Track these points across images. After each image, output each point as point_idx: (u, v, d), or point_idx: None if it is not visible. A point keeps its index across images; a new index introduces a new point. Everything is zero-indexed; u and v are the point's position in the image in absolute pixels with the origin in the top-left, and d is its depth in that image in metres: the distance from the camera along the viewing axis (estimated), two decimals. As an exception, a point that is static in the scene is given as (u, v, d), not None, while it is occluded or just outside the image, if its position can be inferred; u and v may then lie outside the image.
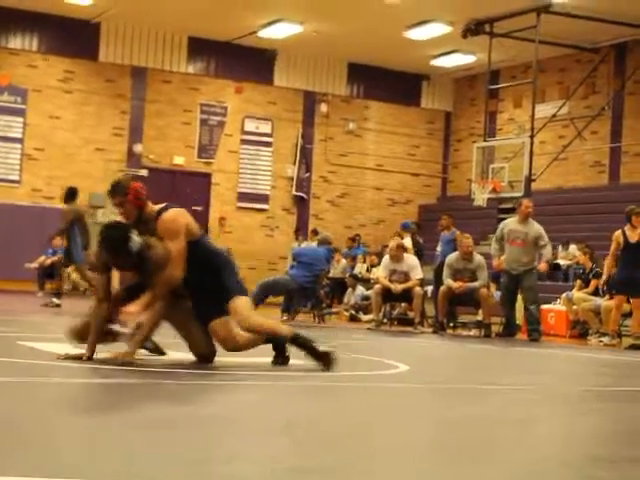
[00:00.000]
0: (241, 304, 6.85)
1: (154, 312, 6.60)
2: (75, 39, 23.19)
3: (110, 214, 23.09)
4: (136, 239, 6.58)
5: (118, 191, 6.78)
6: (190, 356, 7.09)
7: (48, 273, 20.23)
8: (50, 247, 20.83)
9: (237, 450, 3.79)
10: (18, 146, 22.75)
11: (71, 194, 15.95)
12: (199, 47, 24.33)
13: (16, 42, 22.94)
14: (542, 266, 14.47)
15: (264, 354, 7.21)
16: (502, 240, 14.52)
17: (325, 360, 6.94)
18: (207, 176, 24.54)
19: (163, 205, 6.84)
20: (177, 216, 6.73)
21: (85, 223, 15.96)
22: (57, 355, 6.66)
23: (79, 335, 6.93)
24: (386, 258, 15.76)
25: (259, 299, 15.20)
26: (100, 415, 4.54)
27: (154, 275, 6.59)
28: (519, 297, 14.92)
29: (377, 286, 15.44)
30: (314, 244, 18.20)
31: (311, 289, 15.83)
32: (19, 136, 22.76)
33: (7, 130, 22.64)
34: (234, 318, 6.81)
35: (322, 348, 7.01)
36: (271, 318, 7.52)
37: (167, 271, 6.59)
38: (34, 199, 22.66)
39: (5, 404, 4.73)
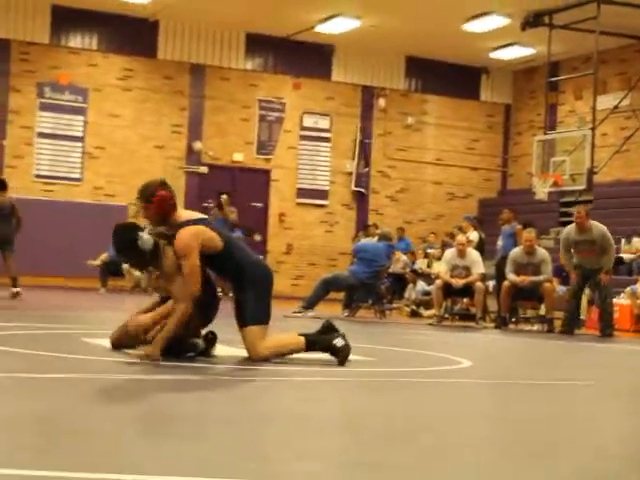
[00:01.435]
0: (251, 336, 6.89)
1: (179, 311, 6.62)
2: (134, 37, 23.34)
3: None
4: (146, 237, 6.63)
5: (143, 195, 6.78)
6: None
7: (111, 270, 20.42)
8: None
9: (305, 447, 3.76)
10: (79, 145, 22.95)
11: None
12: (257, 43, 24.36)
13: (76, 41, 23.13)
14: (603, 278, 14.00)
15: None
16: (569, 251, 14.21)
17: (341, 355, 6.98)
18: (266, 172, 24.58)
19: (186, 220, 6.82)
20: (192, 234, 6.70)
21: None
22: (130, 355, 6.70)
23: (119, 342, 7.03)
24: (448, 253, 15.66)
25: (320, 295, 15.19)
26: (165, 412, 4.54)
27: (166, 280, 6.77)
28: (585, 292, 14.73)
29: (438, 281, 15.34)
30: (374, 240, 18.12)
31: (372, 285, 15.78)
32: (80, 135, 22.96)
33: (68, 129, 22.85)
34: (247, 348, 6.93)
35: (339, 343, 7.02)
36: (287, 332, 7.46)
37: (185, 289, 6.64)
38: (95, 197, 22.85)
39: (68, 400, 4.74)
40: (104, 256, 20.31)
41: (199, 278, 6.69)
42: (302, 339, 7.04)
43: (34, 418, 4.10)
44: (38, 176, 22.48)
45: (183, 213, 6.92)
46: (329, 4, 21.64)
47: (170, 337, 6.60)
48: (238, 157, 24.17)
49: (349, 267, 16.11)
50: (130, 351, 6.83)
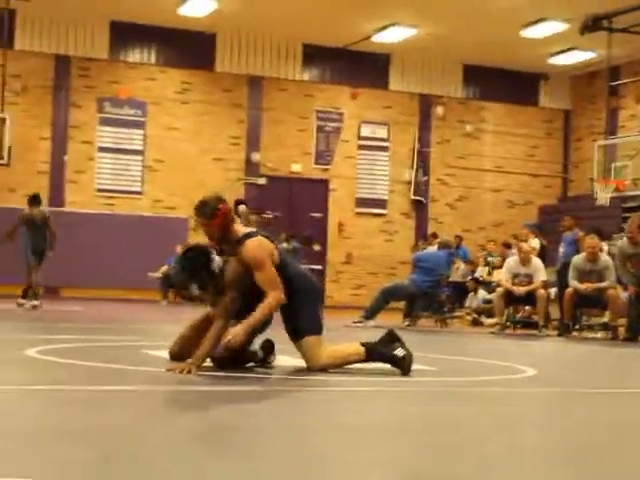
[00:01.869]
0: (308, 346, 6.85)
1: (217, 327, 6.63)
2: (191, 51, 23.53)
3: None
4: (217, 259, 6.63)
5: (204, 212, 6.66)
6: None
7: (171, 282, 20.49)
8: (173, 256, 21.14)
9: (366, 458, 3.73)
10: (139, 158, 23.15)
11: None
12: (313, 54, 24.41)
13: (135, 56, 23.37)
14: None
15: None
16: (625, 264, 14.00)
17: (403, 365, 6.90)
18: (325, 182, 24.59)
19: (247, 231, 6.79)
20: (260, 244, 6.68)
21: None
22: (166, 367, 6.70)
23: (178, 354, 7.04)
24: (510, 260, 15.52)
25: (381, 304, 15.13)
26: (227, 425, 4.53)
27: (221, 293, 6.69)
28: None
29: (499, 289, 15.21)
30: (434, 248, 18.03)
31: (432, 294, 15.70)
32: (140, 148, 23.16)
33: (128, 143, 23.06)
34: (305, 359, 6.89)
35: (400, 352, 6.94)
36: (347, 342, 7.38)
37: (270, 297, 6.58)
38: (156, 210, 23.02)
39: (131, 413, 4.75)
40: (164, 268, 20.45)
41: (280, 285, 6.64)
42: (362, 348, 6.98)
43: (99, 431, 4.11)
44: (99, 190, 22.71)
45: (238, 226, 6.91)
46: (385, 14, 21.62)
47: (208, 354, 6.65)
48: (296, 168, 24.21)
49: (409, 276, 16.04)
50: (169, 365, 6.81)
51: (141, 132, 23.20)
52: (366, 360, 6.97)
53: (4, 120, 20.60)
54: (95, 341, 9.27)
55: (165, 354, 7.36)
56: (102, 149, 22.87)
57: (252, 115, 24.06)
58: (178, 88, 23.57)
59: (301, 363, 6.99)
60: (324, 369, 6.86)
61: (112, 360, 7.26)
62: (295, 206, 23.84)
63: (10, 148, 20.33)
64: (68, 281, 21.64)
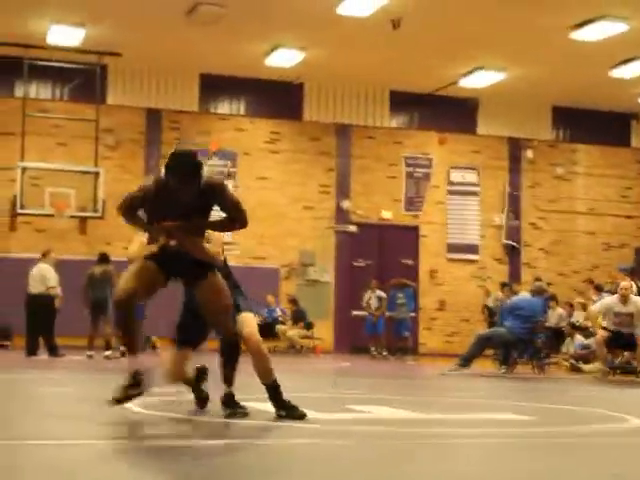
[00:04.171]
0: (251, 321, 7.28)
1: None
2: (279, 100, 23.72)
3: (321, 271, 23.43)
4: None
5: None
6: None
7: (265, 331, 20.59)
8: (266, 306, 21.32)
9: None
10: (231, 209, 23.24)
11: None
12: (401, 100, 24.42)
13: (224, 107, 23.65)
14: None
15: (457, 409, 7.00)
16: None
17: (295, 414, 6.92)
18: (415, 229, 24.47)
19: None
20: None
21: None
22: None
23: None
24: (607, 299, 15.23)
25: (477, 351, 14.94)
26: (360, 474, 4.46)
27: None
28: None
29: (599, 336, 14.91)
30: (526, 294, 17.79)
31: (529, 340, 15.47)
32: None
33: (219, 193, 23.20)
34: (243, 329, 7.16)
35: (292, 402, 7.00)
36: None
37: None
38: (247, 259, 23.10)
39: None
40: (259, 318, 20.52)
41: None
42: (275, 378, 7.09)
43: None
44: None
45: None
46: (472, 58, 21.56)
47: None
48: (387, 214, 24.15)
49: (504, 323, 15.81)
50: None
51: (232, 182, 23.38)
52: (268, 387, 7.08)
53: (98, 174, 20.98)
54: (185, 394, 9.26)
55: (258, 406, 7.29)
56: (192, 202, 23.04)
57: (341, 163, 24.12)
58: (267, 138, 23.75)
59: (404, 414, 6.89)
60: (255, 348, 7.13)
61: (206, 413, 7.24)
62: (386, 253, 23.76)
63: (104, 201, 20.68)
64: (159, 332, 21.73)
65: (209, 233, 7.00)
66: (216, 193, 6.77)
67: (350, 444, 5.86)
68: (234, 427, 6.61)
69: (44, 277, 16.83)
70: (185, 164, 6.59)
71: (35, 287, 16.86)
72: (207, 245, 6.92)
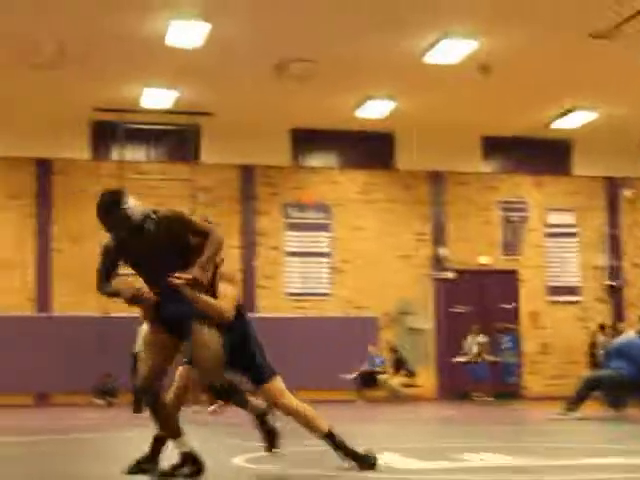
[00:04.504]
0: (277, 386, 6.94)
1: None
2: (371, 151, 23.81)
3: (420, 319, 23.32)
4: (134, 206, 6.29)
5: None
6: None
7: (366, 381, 20.74)
8: (371, 355, 21.39)
9: None
10: (326, 260, 23.38)
11: None
12: (493, 145, 24.34)
13: (316, 161, 23.82)
14: None
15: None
16: None
17: (364, 463, 6.71)
18: (514, 273, 24.22)
19: None
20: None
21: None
22: None
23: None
24: None
25: (585, 395, 14.64)
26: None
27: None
28: None
29: None
30: (632, 333, 17.41)
31: (638, 381, 15.10)
32: (326, 250, 23.41)
33: (315, 246, 23.36)
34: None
35: (360, 450, 6.78)
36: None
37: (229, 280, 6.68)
38: (345, 310, 23.09)
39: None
40: (362, 367, 20.68)
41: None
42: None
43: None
44: (289, 294, 22.99)
45: None
46: (564, 100, 21.39)
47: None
48: (484, 260, 23.95)
49: (610, 364, 15.46)
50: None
51: (327, 234, 23.49)
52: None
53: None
54: (297, 445, 9.23)
55: (384, 457, 7.21)
56: (290, 254, 23.24)
57: (436, 210, 24.04)
58: (360, 188, 23.81)
59: (512, 460, 6.77)
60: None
61: (321, 466, 7.20)
62: (485, 298, 23.55)
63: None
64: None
65: (222, 289, 6.64)
66: (176, 223, 6.31)
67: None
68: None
69: None
70: (99, 212, 6.26)
71: (139, 346, 17.07)
72: (218, 301, 6.54)
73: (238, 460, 7.57)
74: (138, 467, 6.68)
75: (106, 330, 20.78)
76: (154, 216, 6.32)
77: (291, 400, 6.84)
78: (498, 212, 24.36)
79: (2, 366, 20.66)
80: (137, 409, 16.80)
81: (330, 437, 6.78)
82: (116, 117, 21.64)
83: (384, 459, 7.46)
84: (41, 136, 22.01)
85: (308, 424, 6.82)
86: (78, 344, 21.12)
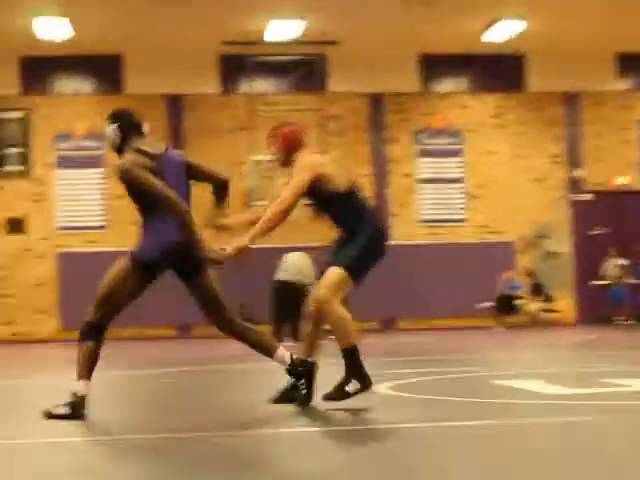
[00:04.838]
0: (332, 276, 6.59)
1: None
2: (501, 74, 23.31)
3: (557, 243, 22.93)
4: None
5: (271, 130, 7.01)
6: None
7: (504, 307, 20.64)
8: (509, 281, 21.22)
9: None
10: (459, 186, 23.13)
11: None
12: (628, 62, 23.55)
13: (446, 86, 23.46)
14: None
15: None
16: None
17: (364, 384, 6.44)
18: (653, 193, 23.54)
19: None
20: (310, 159, 6.79)
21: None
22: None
23: None
24: None
25: None
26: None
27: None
28: None
29: None
30: None
31: None
32: (459, 176, 23.15)
33: (447, 172, 23.11)
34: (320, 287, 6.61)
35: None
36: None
37: (281, 197, 6.68)
38: (479, 236, 22.86)
39: (515, 450, 4.60)
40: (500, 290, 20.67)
41: (296, 197, 6.69)
42: (354, 344, 6.51)
43: (479, 470, 3.99)
44: (422, 221, 22.84)
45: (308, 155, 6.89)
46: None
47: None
48: (622, 180, 23.32)
49: None
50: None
51: (459, 160, 23.20)
52: (346, 355, 6.50)
53: (326, 162, 21.18)
54: (440, 374, 9.21)
55: (517, 384, 7.15)
56: (422, 180, 23.05)
57: (570, 132, 23.46)
58: (492, 112, 23.39)
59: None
60: (318, 312, 6.62)
61: (468, 393, 7.15)
62: (624, 220, 22.95)
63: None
64: (402, 313, 21.91)
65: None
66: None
67: (620, 420, 5.64)
68: (506, 408, 6.49)
69: (301, 269, 17.20)
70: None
71: (286, 275, 17.26)
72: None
73: (382, 387, 7.56)
74: (285, 396, 6.68)
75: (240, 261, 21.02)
76: None
77: (337, 299, 6.57)
78: (636, 131, 23.64)
79: (142, 300, 21.08)
80: (278, 338, 17.01)
81: (351, 352, 6.50)
82: (244, 50, 21.66)
83: (529, 385, 7.37)
84: (171, 72, 22.20)
85: (341, 330, 6.52)
86: (220, 275, 21.39)
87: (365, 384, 6.43)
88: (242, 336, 6.66)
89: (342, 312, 6.50)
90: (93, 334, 6.48)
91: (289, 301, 17.00)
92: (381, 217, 7.06)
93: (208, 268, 6.63)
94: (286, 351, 6.56)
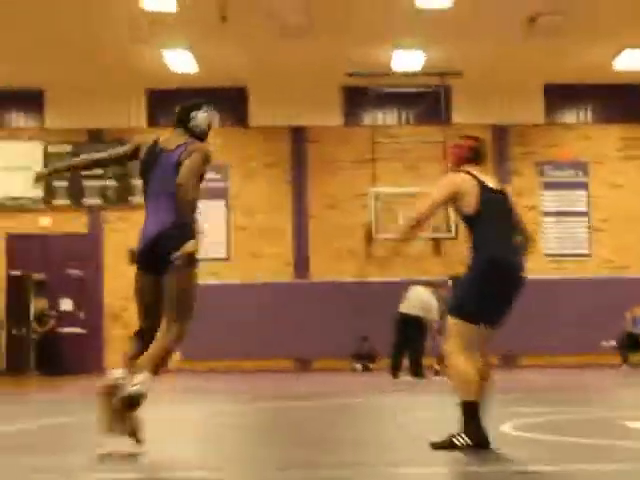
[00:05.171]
0: (448, 325, 6.43)
1: None
2: (629, 104, 22.79)
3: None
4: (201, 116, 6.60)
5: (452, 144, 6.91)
6: None
7: (631, 344, 20.08)
8: (635, 318, 20.64)
9: None
10: (584, 219, 22.65)
11: None
12: None
13: (571, 117, 23.05)
14: None
15: None
16: None
17: (479, 441, 6.11)
18: None
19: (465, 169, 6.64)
20: (451, 177, 6.60)
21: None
22: None
23: None
24: None
25: None
26: None
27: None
28: None
29: None
30: None
31: None
32: (584, 209, 22.68)
33: (572, 204, 22.68)
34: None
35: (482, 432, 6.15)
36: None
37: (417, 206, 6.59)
38: (606, 270, 22.32)
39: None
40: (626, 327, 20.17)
41: (430, 209, 6.56)
42: (471, 399, 6.19)
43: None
44: (547, 255, 22.39)
45: (470, 169, 6.63)
46: None
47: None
48: None
49: None
50: None
51: (584, 192, 22.74)
52: (464, 414, 6.20)
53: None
54: (566, 413, 8.93)
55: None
56: (546, 213, 22.65)
57: (700, 164, 22.78)
58: (618, 144, 22.88)
59: None
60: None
61: (592, 434, 6.89)
62: None
63: (457, 222, 20.74)
64: (525, 349, 21.50)
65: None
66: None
67: None
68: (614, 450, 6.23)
69: (425, 303, 17.01)
70: None
71: (409, 308, 17.05)
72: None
73: (505, 427, 7.35)
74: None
75: (362, 295, 20.94)
76: None
77: (460, 350, 6.30)
78: None
79: (263, 332, 21.21)
80: (394, 374, 16.84)
81: (467, 407, 6.23)
82: (367, 82, 21.66)
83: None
84: (295, 104, 22.37)
85: (454, 383, 6.33)
86: (336, 309, 21.40)
87: (475, 441, 6.16)
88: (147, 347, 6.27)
89: (461, 365, 6.26)
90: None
91: (410, 334, 16.81)
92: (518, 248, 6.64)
93: (178, 272, 6.18)
94: (122, 373, 6.15)
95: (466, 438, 6.15)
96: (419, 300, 17.04)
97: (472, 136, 6.88)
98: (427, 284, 17.54)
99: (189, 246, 6.11)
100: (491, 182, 6.63)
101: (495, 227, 6.49)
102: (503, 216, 6.59)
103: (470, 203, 6.45)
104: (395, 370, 16.91)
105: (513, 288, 6.43)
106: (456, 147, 6.78)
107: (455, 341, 6.32)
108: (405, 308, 17.08)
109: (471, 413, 6.19)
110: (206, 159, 6.45)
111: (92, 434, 6.19)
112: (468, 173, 6.55)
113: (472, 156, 6.68)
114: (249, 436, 7.83)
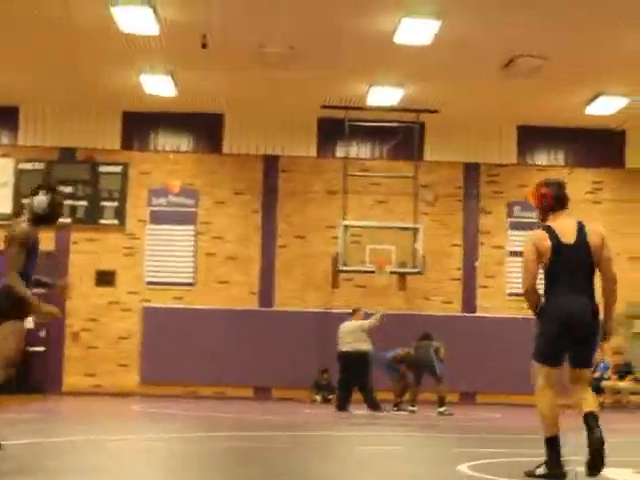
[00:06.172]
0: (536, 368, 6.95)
1: None
2: (600, 149, 22.98)
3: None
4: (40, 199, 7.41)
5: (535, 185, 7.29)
6: None
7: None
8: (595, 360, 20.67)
9: None
10: (551, 261, 22.73)
11: None
12: None
13: (542, 159, 23.21)
14: None
15: None
16: None
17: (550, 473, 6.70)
18: None
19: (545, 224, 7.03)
20: (530, 238, 7.02)
21: None
22: None
23: None
24: None
25: None
26: None
27: None
28: None
29: None
30: None
31: None
32: (551, 251, 22.78)
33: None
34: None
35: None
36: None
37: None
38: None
39: None
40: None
41: (529, 277, 6.95)
42: (550, 435, 6.81)
43: None
44: (510, 294, 22.46)
45: (558, 220, 6.99)
46: None
47: None
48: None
49: None
50: None
51: (549, 235, 22.85)
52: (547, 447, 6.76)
53: (417, 230, 21.08)
54: (520, 455, 8.96)
55: (604, 471, 6.89)
56: (511, 253, 22.75)
57: (667, 210, 23.00)
58: (589, 188, 23.07)
59: None
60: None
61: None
62: None
63: (424, 257, 20.80)
64: (482, 387, 21.56)
65: None
66: None
67: None
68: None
69: (356, 335, 17.07)
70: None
71: (344, 345, 17.14)
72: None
73: (462, 467, 7.37)
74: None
75: (325, 326, 20.93)
76: None
77: (545, 391, 6.99)
78: None
79: (224, 358, 21.16)
80: (341, 407, 16.85)
81: (546, 443, 6.86)
82: (342, 114, 21.72)
83: (617, 474, 7.12)
84: (271, 133, 22.44)
85: (540, 420, 6.96)
86: (299, 339, 21.39)
87: (551, 474, 6.72)
88: None
89: (543, 402, 6.96)
90: None
91: (353, 371, 16.88)
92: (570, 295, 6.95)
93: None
94: None
95: (542, 469, 6.79)
96: (349, 334, 17.12)
97: (554, 182, 7.12)
98: (352, 313, 17.71)
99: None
100: (569, 232, 6.97)
101: (559, 278, 6.96)
102: (571, 267, 6.94)
103: (544, 259, 6.92)
104: (341, 407, 16.91)
105: (571, 337, 7.00)
106: (541, 197, 7.08)
107: (540, 380, 7.03)
108: (341, 346, 17.18)
109: (551, 447, 6.83)
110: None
111: None
112: (548, 229, 6.94)
113: (556, 204, 7.08)
114: (204, 467, 7.80)
